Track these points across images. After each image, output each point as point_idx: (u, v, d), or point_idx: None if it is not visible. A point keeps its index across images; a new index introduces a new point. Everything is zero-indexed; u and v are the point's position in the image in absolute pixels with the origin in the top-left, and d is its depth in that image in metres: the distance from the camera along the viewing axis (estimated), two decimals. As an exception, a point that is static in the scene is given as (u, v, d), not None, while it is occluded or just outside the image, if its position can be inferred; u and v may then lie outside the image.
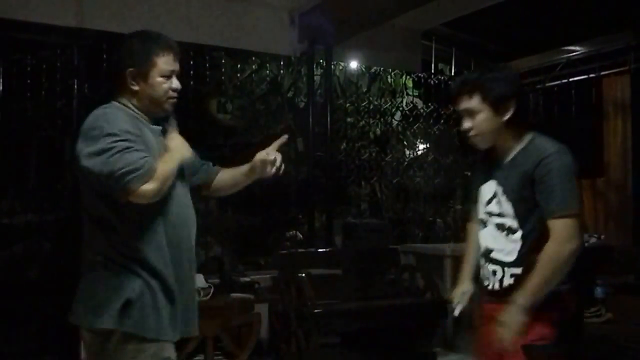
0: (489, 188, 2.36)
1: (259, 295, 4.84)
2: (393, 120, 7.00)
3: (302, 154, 6.41)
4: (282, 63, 6.35)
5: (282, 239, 6.53)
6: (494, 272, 2.33)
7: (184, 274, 2.16)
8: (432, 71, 7.06)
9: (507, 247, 2.29)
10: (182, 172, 2.19)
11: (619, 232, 6.17)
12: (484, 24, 6.45)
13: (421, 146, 7.20)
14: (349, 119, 6.79)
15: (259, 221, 6.45)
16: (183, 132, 2.27)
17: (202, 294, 4.09)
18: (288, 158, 6.71)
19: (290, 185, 6.61)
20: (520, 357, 2.18)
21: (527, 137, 2.29)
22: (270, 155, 2.26)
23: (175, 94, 2.18)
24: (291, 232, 6.61)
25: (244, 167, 2.37)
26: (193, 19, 5.30)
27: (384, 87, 7.08)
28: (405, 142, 7.13)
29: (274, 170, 2.27)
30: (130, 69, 2.11)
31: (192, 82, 5.38)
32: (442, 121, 6.93)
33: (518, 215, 2.25)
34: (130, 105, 2.15)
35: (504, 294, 2.27)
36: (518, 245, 2.26)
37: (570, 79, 6.49)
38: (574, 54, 6.43)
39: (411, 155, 7.09)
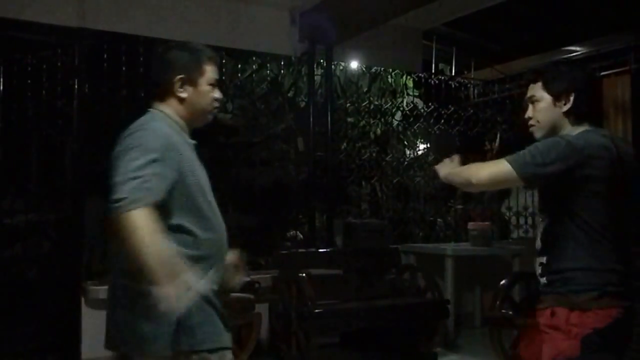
0: None
1: (259, 295, 4.83)
2: (393, 120, 6.99)
3: (303, 154, 6.41)
4: (282, 63, 6.35)
5: (283, 239, 6.53)
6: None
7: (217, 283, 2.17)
8: (433, 71, 7.07)
9: (540, 236, 2.32)
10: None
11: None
12: (484, 24, 6.46)
13: (421, 146, 7.19)
14: (349, 119, 6.78)
15: (259, 221, 6.44)
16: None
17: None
18: (288, 158, 6.74)
19: (290, 185, 6.61)
20: None
21: (580, 129, 2.25)
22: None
23: (217, 104, 2.24)
24: (291, 232, 6.60)
25: None
26: (193, 18, 5.31)
27: (385, 87, 7.07)
28: (405, 142, 7.12)
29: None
30: (181, 76, 2.14)
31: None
32: (442, 121, 6.93)
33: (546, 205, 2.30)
34: (173, 114, 2.17)
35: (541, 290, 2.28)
36: (541, 232, 2.29)
37: (571, 79, 6.49)
38: (575, 54, 6.44)
39: (412, 155, 7.08)
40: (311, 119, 5.83)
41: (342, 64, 6.61)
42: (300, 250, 5.62)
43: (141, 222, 1.85)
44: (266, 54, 6.11)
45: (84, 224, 4.89)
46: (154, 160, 1.94)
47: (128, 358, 2.11)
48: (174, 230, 2.01)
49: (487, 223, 6.19)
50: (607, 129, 6.40)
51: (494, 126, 7.27)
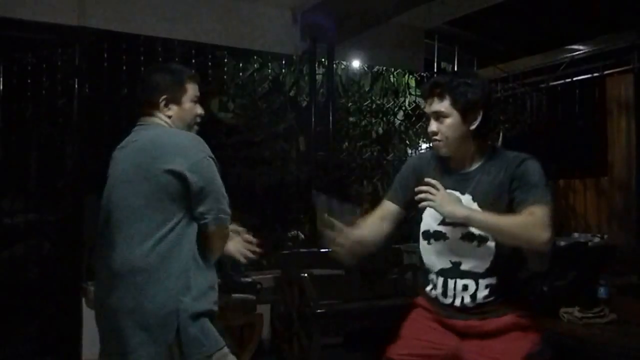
0: None
1: (260, 296, 4.82)
2: (395, 119, 6.98)
3: (304, 153, 6.39)
4: (284, 62, 6.33)
5: (284, 239, 6.51)
6: (465, 287, 2.26)
7: None
8: (435, 70, 7.04)
9: (479, 258, 2.23)
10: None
11: (622, 231, 6.14)
12: (487, 22, 6.43)
13: (423, 145, 7.18)
14: (351, 118, 6.77)
15: (260, 221, 6.43)
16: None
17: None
18: (290, 157, 6.72)
19: (292, 184, 6.59)
20: None
21: (490, 148, 2.30)
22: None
23: (199, 119, 2.46)
24: (293, 232, 6.58)
25: None
26: (194, 17, 5.28)
27: (387, 86, 7.05)
28: (407, 142, 7.10)
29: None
30: (164, 96, 2.35)
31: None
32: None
33: None
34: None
35: (478, 308, 2.23)
36: (491, 254, 2.21)
37: (574, 78, 6.47)
38: (578, 53, 6.41)
39: (413, 154, 7.07)
40: (313, 118, 5.80)
41: (344, 63, 6.60)
42: (302, 250, 5.60)
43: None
44: (267, 53, 6.09)
45: (84, 224, 4.87)
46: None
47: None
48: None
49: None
50: (611, 128, 6.41)
51: (497, 125, 7.24)
